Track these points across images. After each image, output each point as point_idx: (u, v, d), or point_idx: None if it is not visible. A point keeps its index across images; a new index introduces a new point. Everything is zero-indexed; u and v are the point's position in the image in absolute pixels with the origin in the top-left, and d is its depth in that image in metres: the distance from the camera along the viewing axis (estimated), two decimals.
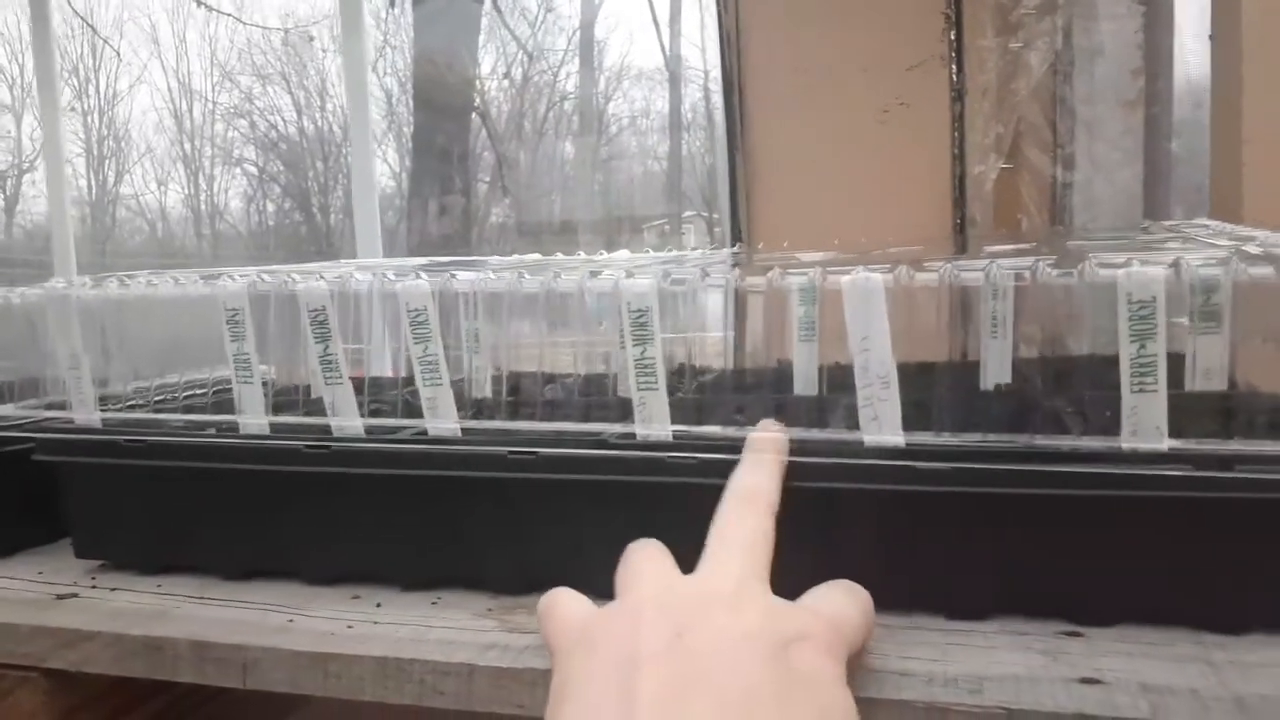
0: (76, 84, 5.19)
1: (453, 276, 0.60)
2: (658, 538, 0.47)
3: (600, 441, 0.54)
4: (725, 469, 0.48)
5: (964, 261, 0.55)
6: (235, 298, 0.60)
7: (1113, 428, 0.46)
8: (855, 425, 0.50)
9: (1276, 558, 0.45)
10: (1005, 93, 0.88)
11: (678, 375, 0.70)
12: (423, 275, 0.59)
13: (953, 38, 0.91)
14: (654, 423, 0.54)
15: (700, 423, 0.53)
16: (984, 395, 0.67)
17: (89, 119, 5.29)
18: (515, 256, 0.85)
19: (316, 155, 6.57)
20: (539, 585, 0.50)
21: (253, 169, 6.53)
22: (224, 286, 0.60)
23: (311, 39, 5.55)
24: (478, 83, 4.99)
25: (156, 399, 0.70)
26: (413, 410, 0.58)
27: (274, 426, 0.60)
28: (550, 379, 0.69)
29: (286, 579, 0.61)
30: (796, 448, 0.49)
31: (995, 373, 0.68)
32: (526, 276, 0.61)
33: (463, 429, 0.57)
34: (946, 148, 0.92)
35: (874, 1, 0.93)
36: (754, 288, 0.53)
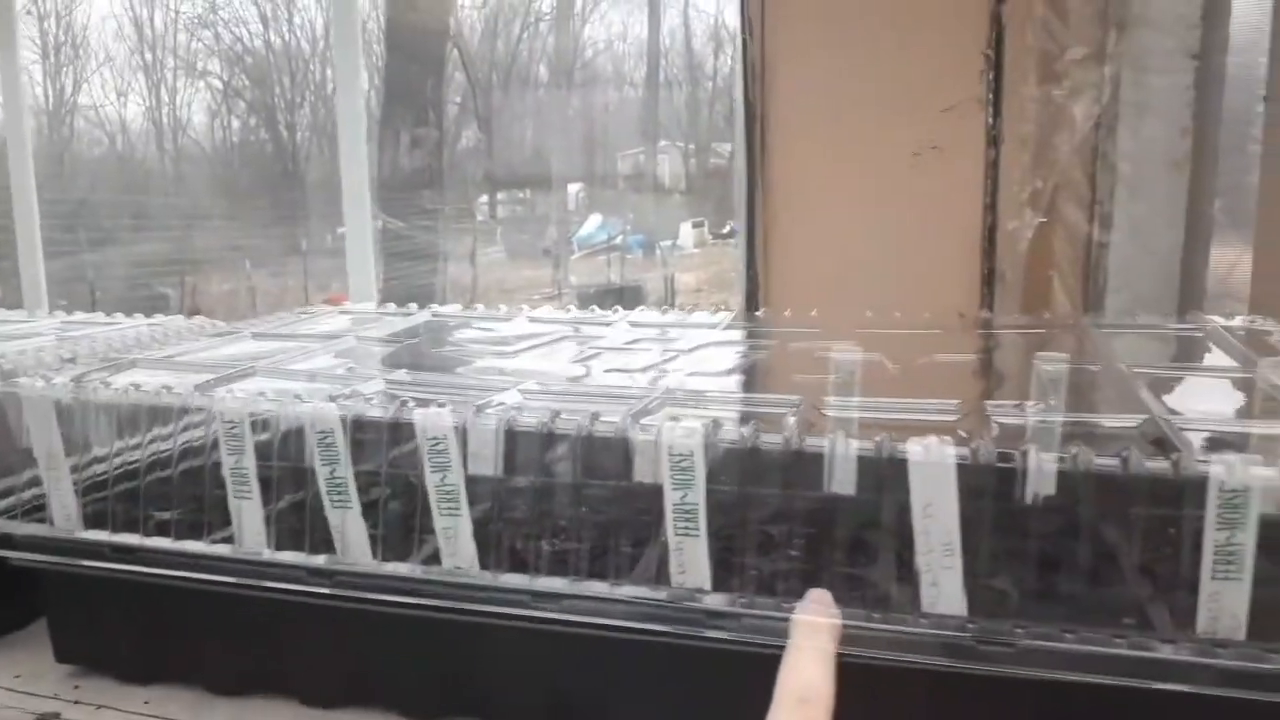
0: None
1: (476, 410, 0.55)
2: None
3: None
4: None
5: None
6: (234, 413, 0.55)
7: None
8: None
9: None
10: (1045, 145, 0.83)
11: None
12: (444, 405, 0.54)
13: (992, 80, 0.86)
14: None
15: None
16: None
17: (45, 23, 5.05)
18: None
19: (284, 70, 6.34)
20: None
21: (217, 83, 6.30)
22: (223, 401, 0.55)
23: None
24: (453, 6, 4.81)
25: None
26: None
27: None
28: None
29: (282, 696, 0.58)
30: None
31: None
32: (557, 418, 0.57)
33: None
34: (979, 196, 0.88)
35: (910, 37, 0.87)
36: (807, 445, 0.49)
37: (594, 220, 7.39)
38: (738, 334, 0.73)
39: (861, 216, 0.90)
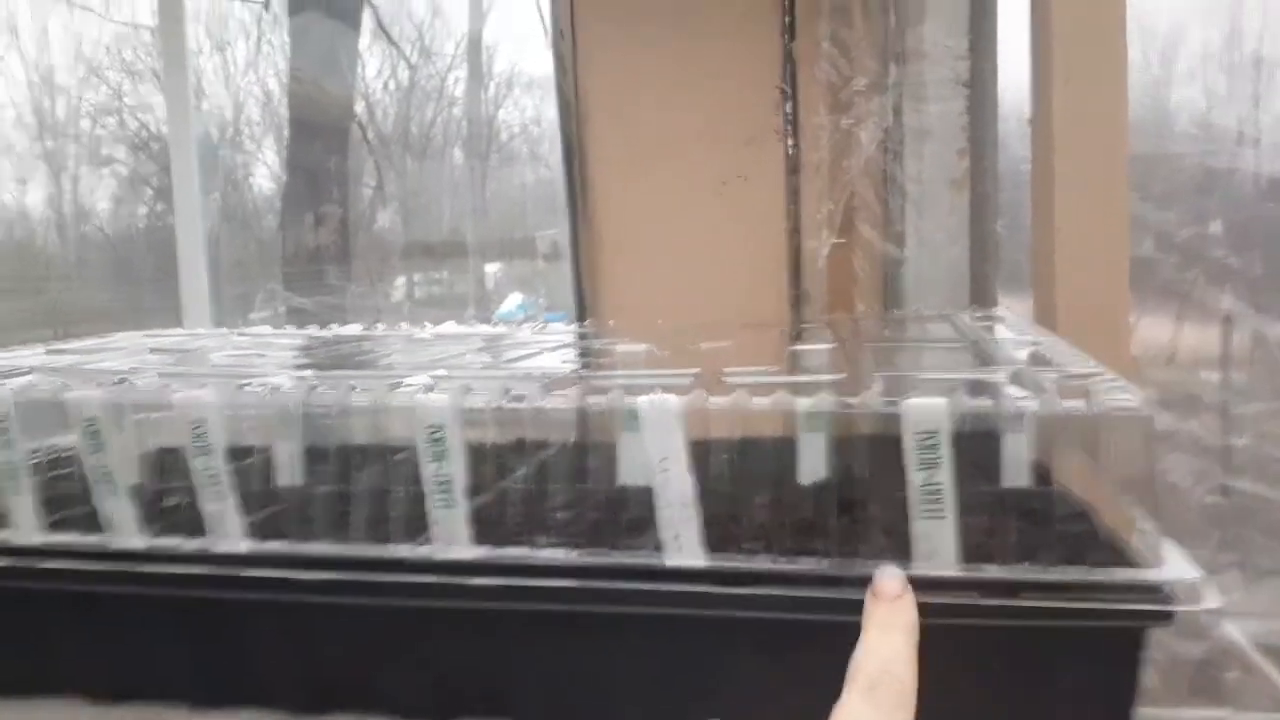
0: None
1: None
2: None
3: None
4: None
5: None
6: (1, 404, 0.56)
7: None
8: None
9: None
10: (838, 169, 0.90)
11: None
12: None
13: (789, 112, 0.92)
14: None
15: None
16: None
17: None
18: (351, 329, 0.83)
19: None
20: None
21: (122, 169, 6.27)
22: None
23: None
24: (360, 87, 4.89)
25: None
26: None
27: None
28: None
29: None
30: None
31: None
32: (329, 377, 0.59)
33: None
34: (783, 221, 0.93)
35: (711, 73, 0.93)
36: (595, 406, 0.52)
37: (514, 299, 7.44)
38: (554, 338, 0.77)
39: (676, 242, 0.95)
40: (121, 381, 0.55)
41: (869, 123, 0.88)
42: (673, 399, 0.50)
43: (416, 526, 0.55)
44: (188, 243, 1.39)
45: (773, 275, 0.93)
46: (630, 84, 0.95)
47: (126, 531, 0.55)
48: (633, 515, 0.61)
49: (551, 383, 0.53)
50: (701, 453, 0.52)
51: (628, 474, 0.69)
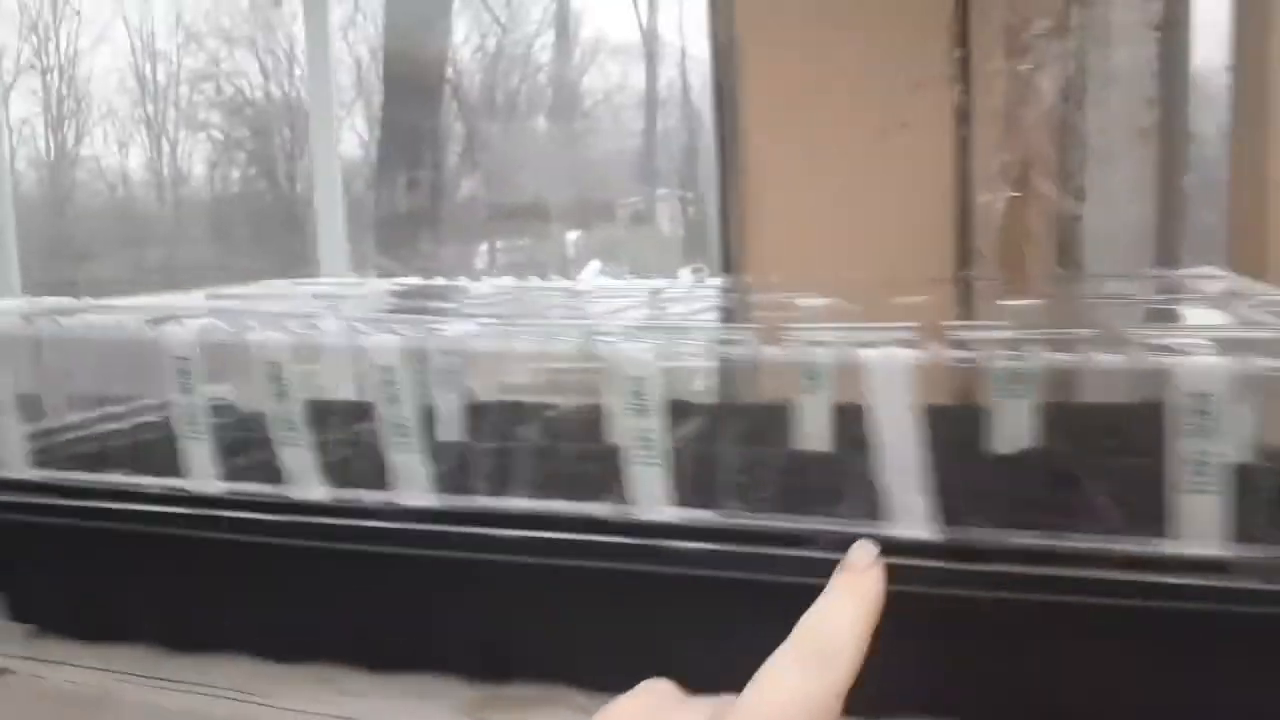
0: (36, 40, 5.03)
1: (431, 331, 0.55)
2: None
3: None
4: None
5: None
6: (184, 346, 0.54)
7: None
8: None
9: None
10: (1014, 118, 0.84)
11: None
12: (395, 329, 0.54)
13: (959, 57, 0.86)
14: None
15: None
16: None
17: (48, 77, 5.13)
18: (489, 284, 0.80)
19: (284, 122, 6.41)
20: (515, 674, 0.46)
21: (218, 134, 6.36)
22: (173, 334, 0.55)
23: (279, 3, 5.42)
24: (450, 54, 4.87)
25: (98, 437, 0.65)
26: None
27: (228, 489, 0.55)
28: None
29: (240, 654, 0.56)
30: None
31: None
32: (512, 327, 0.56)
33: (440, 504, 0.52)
34: (949, 173, 0.88)
35: (875, 18, 0.88)
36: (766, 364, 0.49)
37: (592, 266, 7.45)
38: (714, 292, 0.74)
39: (833, 194, 0.90)
40: (311, 327, 0.52)
41: (1049, 68, 0.82)
42: (905, 353, 0.45)
43: (602, 486, 0.52)
44: (327, 198, 1.38)
45: (937, 231, 0.88)
46: (785, 25, 0.91)
47: (308, 482, 0.53)
48: (822, 482, 0.57)
49: (766, 333, 0.49)
50: None
51: (809, 437, 0.66)
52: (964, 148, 0.87)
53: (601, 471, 0.52)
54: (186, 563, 0.56)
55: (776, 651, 0.33)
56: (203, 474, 0.55)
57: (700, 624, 0.48)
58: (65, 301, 0.79)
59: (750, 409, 0.73)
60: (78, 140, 5.46)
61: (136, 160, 5.74)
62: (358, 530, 0.51)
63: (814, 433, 0.66)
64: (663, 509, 0.49)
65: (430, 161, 4.39)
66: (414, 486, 0.51)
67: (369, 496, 0.52)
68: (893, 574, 0.36)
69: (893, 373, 0.46)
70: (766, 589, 0.45)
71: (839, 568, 0.37)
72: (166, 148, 5.88)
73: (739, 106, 0.92)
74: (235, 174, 6.35)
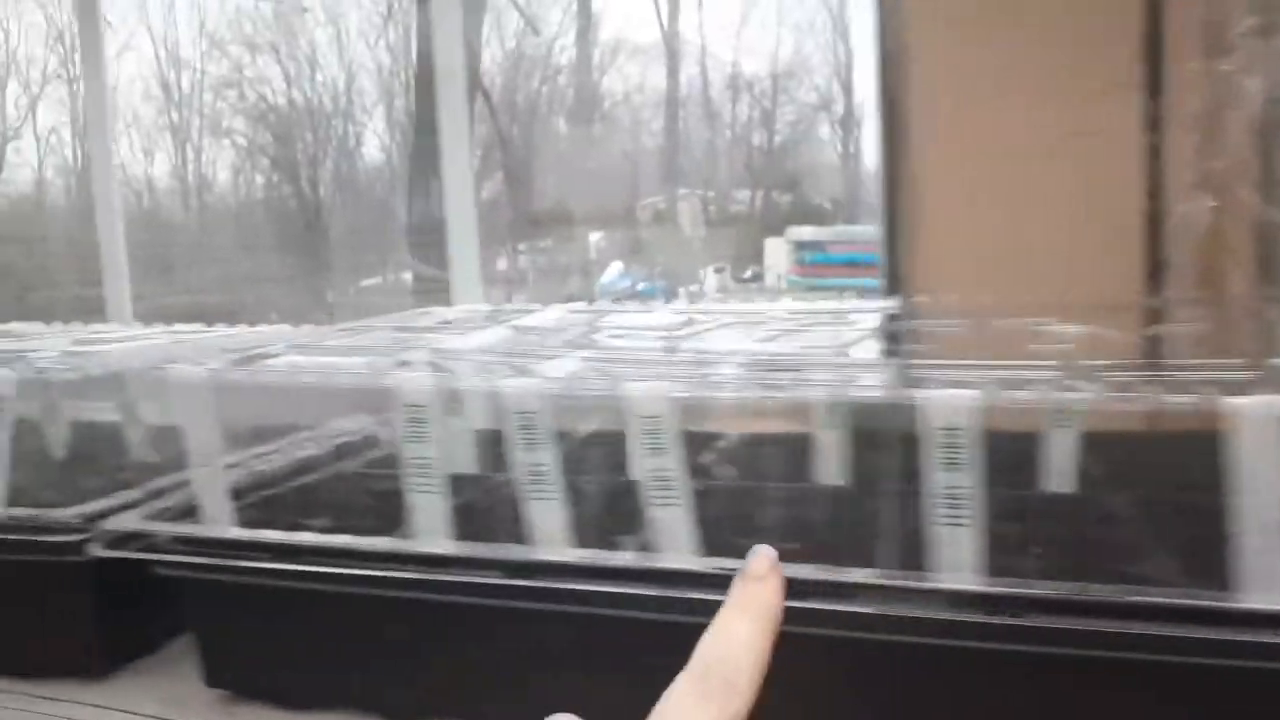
0: (62, 50, 4.99)
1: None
2: None
3: None
4: None
5: None
6: (420, 393, 0.49)
7: None
8: None
9: None
10: (1215, 123, 0.78)
11: None
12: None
13: (1149, 59, 0.81)
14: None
15: None
16: None
17: (74, 86, 5.09)
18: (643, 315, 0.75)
19: (306, 127, 6.37)
20: None
21: (241, 140, 6.33)
22: (407, 379, 0.49)
23: (305, 9, 5.37)
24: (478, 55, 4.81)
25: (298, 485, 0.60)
26: None
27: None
28: None
29: None
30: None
31: None
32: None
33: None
34: (1136, 182, 0.82)
35: (1055, 19, 0.82)
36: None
37: (615, 268, 7.38)
38: (908, 320, 0.68)
39: (1006, 207, 0.84)
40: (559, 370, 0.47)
41: (1255, 68, 0.76)
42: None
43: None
44: (458, 201, 1.32)
45: (1120, 243, 0.83)
46: (958, 29, 0.85)
47: (557, 542, 0.47)
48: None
49: (1106, 375, 0.43)
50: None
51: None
52: (1154, 155, 0.82)
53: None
54: (407, 626, 0.51)
55: (676, 679, 0.32)
56: (433, 531, 0.50)
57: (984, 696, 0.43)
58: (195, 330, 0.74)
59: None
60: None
61: (161, 168, 5.71)
62: (615, 596, 0.46)
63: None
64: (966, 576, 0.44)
65: None
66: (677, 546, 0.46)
67: (629, 558, 0.47)
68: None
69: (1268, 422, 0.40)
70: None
71: (738, 575, 0.36)
72: (191, 154, 5.85)
73: (907, 113, 0.86)
74: (259, 179, 6.31)
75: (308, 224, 6.07)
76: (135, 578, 0.55)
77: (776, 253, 7.66)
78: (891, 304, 0.83)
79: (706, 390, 0.46)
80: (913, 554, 0.44)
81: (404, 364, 0.49)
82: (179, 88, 5.66)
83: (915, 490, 0.44)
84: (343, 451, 0.66)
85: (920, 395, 0.43)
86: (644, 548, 0.47)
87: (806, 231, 7.62)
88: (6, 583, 0.57)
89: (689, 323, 0.65)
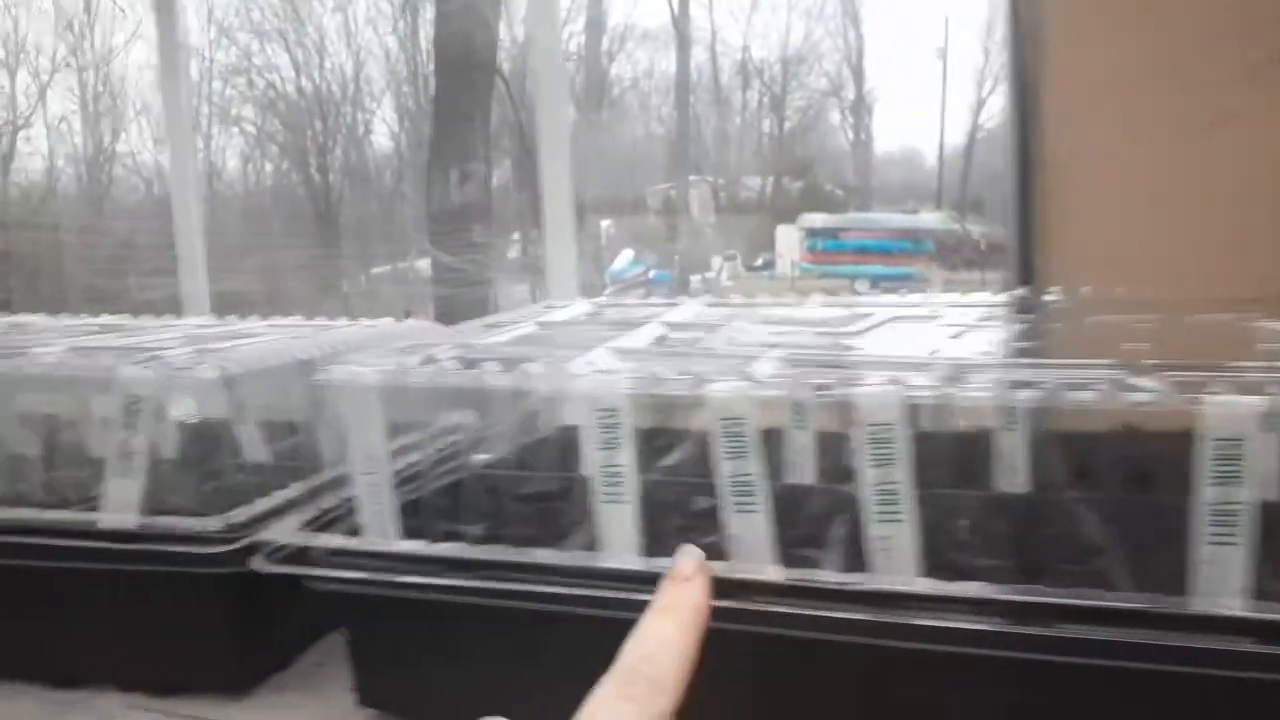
0: (71, 38, 4.94)
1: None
2: None
3: None
4: None
5: None
6: (612, 397, 0.45)
7: None
8: None
9: None
10: None
11: None
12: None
13: None
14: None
15: None
16: None
17: (84, 74, 5.04)
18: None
19: (315, 115, 6.34)
20: None
21: (250, 128, 6.29)
22: (602, 381, 0.45)
23: None
24: (498, 39, 4.76)
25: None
26: None
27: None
28: None
29: None
30: None
31: None
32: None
33: None
34: None
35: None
36: None
37: (625, 255, 7.36)
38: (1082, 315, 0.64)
39: (1148, 194, 0.80)
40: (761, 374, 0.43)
41: None
42: None
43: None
44: (555, 192, 1.27)
45: (1275, 236, 0.78)
46: (1098, 7, 0.81)
47: (758, 557, 0.43)
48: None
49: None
50: None
51: None
52: None
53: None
54: (581, 646, 0.47)
55: (601, 682, 0.32)
56: (621, 545, 0.46)
57: None
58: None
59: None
60: (114, 137, 5.37)
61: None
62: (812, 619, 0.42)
63: None
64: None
65: (482, 154, 4.28)
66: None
67: (832, 578, 0.42)
68: None
69: None
70: None
71: (666, 576, 0.37)
72: (200, 143, 5.79)
73: (1041, 98, 0.82)
74: (268, 167, 6.26)
75: (317, 212, 6.03)
76: (278, 589, 0.51)
77: (788, 239, 7.64)
78: (1022, 294, 0.78)
79: (950, 390, 0.42)
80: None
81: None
82: (187, 75, 5.62)
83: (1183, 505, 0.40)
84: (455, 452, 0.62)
85: (1205, 402, 0.39)
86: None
87: (818, 218, 7.60)
88: (144, 595, 0.53)
89: (854, 317, 0.60)
